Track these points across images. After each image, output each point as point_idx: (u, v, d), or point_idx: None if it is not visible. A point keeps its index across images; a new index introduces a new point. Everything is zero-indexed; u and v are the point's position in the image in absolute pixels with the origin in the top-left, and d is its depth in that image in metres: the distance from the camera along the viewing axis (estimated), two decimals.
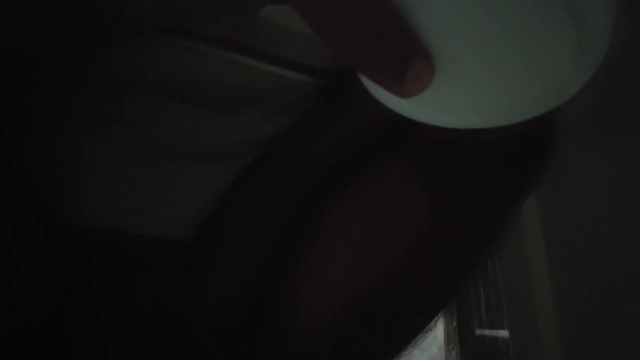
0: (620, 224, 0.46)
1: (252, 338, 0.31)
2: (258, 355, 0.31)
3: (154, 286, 0.31)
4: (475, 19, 0.15)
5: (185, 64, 0.29)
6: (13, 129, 0.26)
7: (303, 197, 0.32)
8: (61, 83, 0.27)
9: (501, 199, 0.31)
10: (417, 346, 0.32)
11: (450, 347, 0.92)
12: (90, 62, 0.26)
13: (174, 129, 0.31)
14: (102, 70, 0.27)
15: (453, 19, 0.15)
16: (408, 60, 0.15)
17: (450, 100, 0.17)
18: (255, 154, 0.33)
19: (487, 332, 0.84)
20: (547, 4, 0.15)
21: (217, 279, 0.32)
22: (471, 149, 0.29)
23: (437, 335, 0.94)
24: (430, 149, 0.30)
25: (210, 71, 0.29)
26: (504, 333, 0.77)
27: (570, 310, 0.52)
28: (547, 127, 0.31)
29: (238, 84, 0.30)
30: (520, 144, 0.30)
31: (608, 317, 0.47)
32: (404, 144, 0.30)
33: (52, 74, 0.24)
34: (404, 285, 0.30)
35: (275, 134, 0.32)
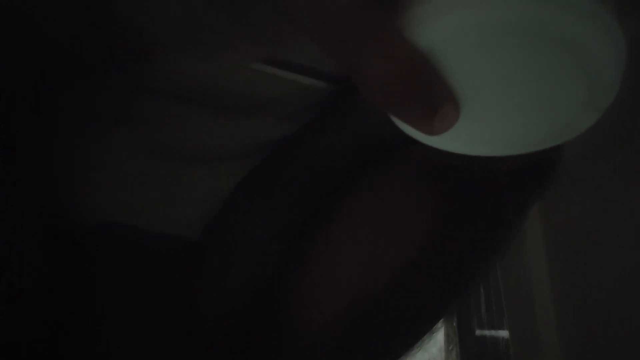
0: (620, 225, 0.46)
1: (256, 338, 0.31)
2: (262, 355, 0.31)
3: (158, 285, 0.31)
4: (495, 67, 0.17)
5: (195, 68, 0.29)
6: (23, 128, 0.26)
7: (310, 198, 0.32)
8: (74, 85, 0.27)
9: (508, 205, 0.31)
10: (421, 348, 0.32)
11: (450, 348, 0.93)
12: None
13: (183, 130, 0.31)
14: (114, 74, 0.28)
15: (475, 66, 0.17)
16: (437, 104, 0.17)
17: (470, 134, 0.19)
18: (265, 155, 0.33)
19: (487, 332, 0.84)
20: (558, 58, 0.16)
21: (221, 279, 0.32)
22: (480, 157, 0.29)
23: (437, 335, 0.94)
24: (439, 155, 0.30)
25: (221, 76, 0.30)
26: (504, 333, 0.77)
27: (570, 310, 0.52)
28: None
29: (248, 88, 0.31)
30: (528, 153, 0.30)
31: (608, 318, 0.48)
32: (414, 149, 0.31)
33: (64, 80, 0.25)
34: (411, 287, 0.30)
35: (284, 136, 0.33)
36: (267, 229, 0.32)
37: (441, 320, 0.34)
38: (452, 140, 0.19)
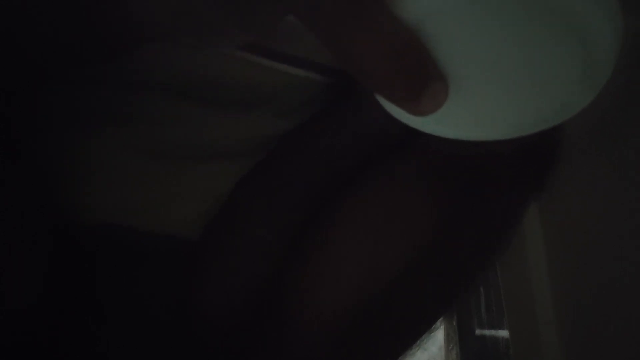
0: (620, 225, 0.46)
1: (257, 338, 0.31)
2: (262, 355, 0.31)
3: (158, 285, 0.31)
4: (487, 43, 0.16)
5: (194, 63, 0.29)
6: (22, 128, 0.26)
7: (310, 198, 0.32)
8: (71, 82, 0.27)
9: (508, 205, 0.31)
10: (420, 347, 0.32)
11: (450, 347, 0.93)
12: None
13: (183, 127, 0.31)
14: (112, 69, 0.27)
15: (466, 41, 0.16)
16: (424, 82, 0.16)
17: (460, 116, 0.18)
18: (265, 153, 0.33)
19: (487, 332, 0.84)
20: (555, 32, 0.15)
21: (222, 279, 0.32)
22: (478, 156, 0.29)
23: (437, 335, 0.94)
24: (439, 155, 0.30)
25: (220, 70, 0.29)
26: (504, 333, 0.77)
27: (570, 310, 0.52)
28: (553, 137, 0.31)
29: (248, 82, 0.30)
30: (527, 152, 0.30)
31: (608, 318, 0.48)
32: (414, 148, 0.31)
33: (63, 74, 0.25)
34: (411, 287, 0.30)
35: (285, 133, 0.32)
36: (268, 228, 0.32)
37: (441, 320, 0.34)
38: (440, 123, 0.18)
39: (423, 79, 0.16)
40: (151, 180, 0.31)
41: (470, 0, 0.15)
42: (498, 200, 0.31)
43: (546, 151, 0.31)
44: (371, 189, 0.31)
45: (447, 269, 0.31)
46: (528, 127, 0.19)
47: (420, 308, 0.31)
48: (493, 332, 0.82)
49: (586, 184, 0.48)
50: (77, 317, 0.29)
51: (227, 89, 0.30)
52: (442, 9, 0.15)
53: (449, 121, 0.18)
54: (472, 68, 0.17)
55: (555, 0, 0.14)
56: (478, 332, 0.87)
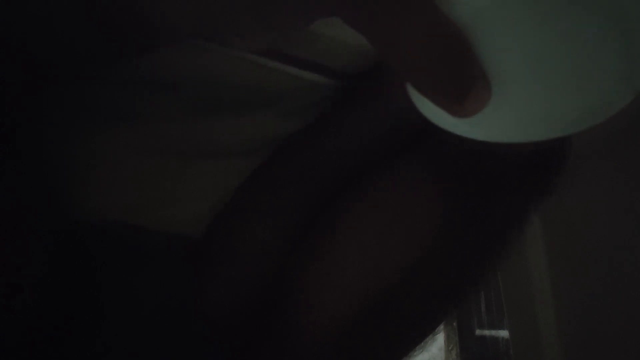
0: (620, 225, 0.46)
1: (259, 338, 0.31)
2: (265, 355, 0.31)
3: (160, 284, 0.31)
4: (531, 42, 0.16)
5: (201, 63, 0.28)
6: (25, 127, 0.26)
7: (315, 197, 0.32)
8: (76, 80, 0.27)
9: (513, 209, 0.31)
10: (423, 348, 0.32)
11: (450, 347, 0.93)
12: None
13: (187, 126, 0.31)
14: (119, 69, 0.27)
15: (511, 41, 0.16)
16: (470, 83, 0.15)
17: (498, 118, 0.18)
18: (269, 153, 0.32)
19: (487, 332, 0.84)
20: (601, 29, 0.15)
21: (225, 278, 0.32)
22: (487, 157, 0.29)
23: (437, 335, 0.94)
24: (446, 155, 0.30)
25: (226, 70, 0.29)
26: (504, 333, 0.77)
27: (570, 310, 0.52)
28: (561, 142, 0.31)
29: (254, 83, 0.30)
30: (534, 156, 0.30)
31: (608, 318, 0.48)
32: (421, 149, 0.30)
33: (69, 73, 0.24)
34: (416, 288, 0.30)
35: (290, 134, 0.32)
36: (272, 228, 0.32)
37: (443, 321, 0.34)
38: (476, 125, 0.18)
39: (469, 80, 0.16)
40: (155, 178, 0.31)
41: (519, 2, 0.15)
42: (503, 203, 0.30)
43: (553, 156, 0.31)
44: (376, 190, 0.31)
45: (450, 271, 0.31)
46: (567, 127, 0.18)
47: (423, 309, 0.31)
48: (493, 332, 0.82)
49: (586, 184, 0.48)
50: (77, 316, 0.29)
51: (233, 90, 0.30)
52: (490, 8, 0.15)
53: (485, 123, 0.18)
54: (515, 68, 0.16)
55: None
56: (478, 332, 0.87)
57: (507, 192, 0.30)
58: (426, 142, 0.30)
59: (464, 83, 0.15)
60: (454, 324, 0.91)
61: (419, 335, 0.32)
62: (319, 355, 0.30)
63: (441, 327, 0.92)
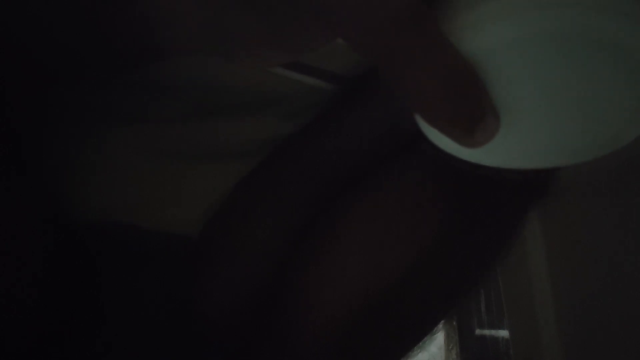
0: (620, 225, 0.46)
1: (259, 338, 0.31)
2: (265, 355, 0.31)
3: (160, 284, 0.31)
4: (543, 78, 0.16)
5: (202, 67, 0.29)
6: (25, 127, 0.26)
7: (315, 197, 0.32)
8: (78, 83, 0.27)
9: (511, 209, 0.31)
10: (422, 348, 0.32)
11: (450, 347, 0.93)
12: None
13: (189, 128, 0.31)
14: (123, 73, 0.27)
15: (522, 76, 0.16)
16: (480, 117, 0.16)
17: (508, 146, 0.18)
18: (268, 153, 0.33)
19: (487, 332, 0.84)
20: (612, 67, 0.15)
21: (224, 278, 0.32)
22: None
23: (437, 335, 0.94)
24: (444, 158, 0.30)
25: (228, 74, 0.29)
26: (504, 333, 0.77)
27: (570, 310, 0.52)
28: None
29: (253, 87, 0.30)
30: None
31: (608, 318, 0.48)
32: (421, 149, 0.31)
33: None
34: (415, 288, 0.30)
35: (289, 134, 0.32)
36: (272, 228, 0.32)
37: (443, 320, 0.34)
38: (488, 153, 0.18)
39: (479, 114, 0.16)
40: (156, 179, 0.31)
41: (529, 39, 0.15)
42: (501, 204, 0.31)
43: None
44: (376, 190, 0.31)
45: (450, 271, 0.31)
46: (573, 157, 0.19)
47: (423, 309, 0.31)
48: (493, 332, 0.82)
49: (586, 184, 0.48)
50: (77, 316, 0.29)
51: (233, 93, 0.30)
52: (502, 46, 0.15)
53: (492, 151, 0.18)
54: (526, 101, 0.17)
55: (613, 37, 0.15)
56: (478, 332, 0.87)
57: (506, 193, 0.30)
58: (426, 142, 0.30)
59: (474, 116, 0.16)
60: (454, 323, 0.91)
61: (419, 335, 0.32)
62: (319, 355, 0.30)
63: (440, 326, 0.92)
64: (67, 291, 0.29)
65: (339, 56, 0.29)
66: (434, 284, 0.31)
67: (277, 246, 0.32)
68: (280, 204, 0.32)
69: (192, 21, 0.17)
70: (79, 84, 0.26)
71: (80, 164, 0.30)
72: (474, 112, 0.16)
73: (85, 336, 0.30)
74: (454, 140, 0.16)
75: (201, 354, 0.31)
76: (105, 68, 0.20)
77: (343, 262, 0.30)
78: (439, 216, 0.30)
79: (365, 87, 0.31)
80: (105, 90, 0.29)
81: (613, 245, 0.47)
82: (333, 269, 0.30)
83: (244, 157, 0.32)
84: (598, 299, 0.49)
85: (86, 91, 0.28)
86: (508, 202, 0.31)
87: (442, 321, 0.34)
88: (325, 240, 0.31)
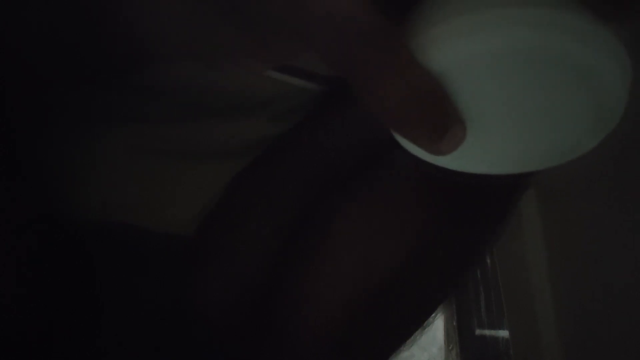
0: (620, 224, 0.46)
1: (256, 336, 0.31)
2: (262, 353, 0.31)
3: (158, 283, 0.32)
4: (505, 91, 0.17)
5: (197, 71, 0.29)
6: (24, 127, 0.26)
7: (309, 196, 0.32)
8: (75, 84, 0.28)
9: (499, 202, 0.32)
10: (417, 343, 0.33)
11: (450, 347, 0.93)
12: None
13: (185, 129, 0.31)
14: (116, 76, 0.28)
15: (485, 89, 0.17)
16: (445, 127, 0.17)
17: (475, 153, 0.19)
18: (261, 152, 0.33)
19: (487, 332, 0.84)
20: (571, 83, 0.16)
21: (221, 277, 0.32)
22: None
23: (437, 335, 0.94)
24: (434, 168, 0.31)
25: (220, 77, 0.30)
26: (504, 333, 0.77)
27: (570, 310, 0.52)
28: None
29: (245, 89, 0.31)
30: None
31: (608, 318, 0.48)
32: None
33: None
34: (408, 282, 0.31)
35: (282, 133, 0.33)
36: (269, 226, 0.32)
37: (441, 319, 0.35)
38: (456, 160, 0.19)
39: (444, 124, 0.16)
40: (155, 179, 0.31)
41: (489, 54, 0.16)
42: (488, 198, 0.31)
43: None
44: (370, 189, 0.31)
45: (440, 266, 0.31)
46: (538, 163, 0.20)
47: (417, 300, 0.32)
48: (493, 332, 0.82)
49: (586, 184, 0.48)
50: (76, 316, 0.30)
51: (227, 95, 0.31)
52: (465, 60, 0.16)
53: (464, 158, 0.19)
54: (490, 112, 0.18)
55: (569, 55, 0.15)
56: (478, 332, 0.87)
57: (493, 188, 0.31)
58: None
59: (440, 127, 0.16)
60: (454, 323, 0.91)
61: (412, 327, 0.33)
62: (317, 352, 0.30)
63: (439, 325, 0.92)
64: (66, 291, 0.29)
65: None
66: (426, 277, 0.31)
67: (274, 245, 0.32)
68: (275, 201, 0.32)
69: (176, 33, 0.17)
70: (78, 85, 0.26)
71: (78, 164, 0.30)
72: (440, 122, 0.16)
73: (85, 336, 0.30)
74: (421, 148, 0.17)
75: (200, 353, 0.31)
76: (101, 71, 0.20)
77: (339, 261, 0.30)
78: (428, 214, 0.30)
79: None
80: (104, 92, 0.29)
81: (613, 245, 0.47)
82: (329, 268, 0.30)
83: (240, 157, 0.33)
84: (598, 299, 0.49)
85: (85, 92, 0.28)
86: (493, 199, 0.31)
87: (439, 318, 0.34)
88: (321, 239, 0.31)
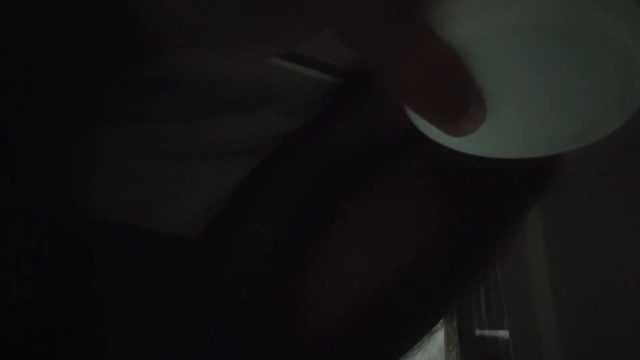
0: (620, 225, 0.46)
1: (258, 337, 0.31)
2: (264, 354, 0.31)
3: (159, 284, 0.31)
4: (528, 67, 0.16)
5: (202, 61, 0.28)
6: (24, 126, 0.26)
7: (314, 196, 0.32)
8: (76, 80, 0.27)
9: (509, 207, 0.31)
10: (421, 348, 0.33)
11: (450, 348, 0.93)
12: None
13: (189, 126, 0.31)
14: (118, 68, 0.27)
15: (508, 65, 0.16)
16: (465, 105, 0.16)
17: (496, 136, 0.18)
18: (269, 151, 0.33)
19: (487, 332, 0.84)
20: (596, 60, 0.16)
21: (224, 277, 0.32)
22: (481, 159, 0.29)
23: (437, 335, 0.94)
24: (445, 155, 0.30)
25: (228, 68, 0.29)
26: (504, 333, 0.77)
27: (570, 310, 0.52)
28: None
29: (256, 81, 0.30)
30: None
31: (608, 318, 0.48)
32: (419, 149, 0.31)
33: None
34: (415, 285, 0.30)
35: (290, 132, 0.32)
36: (271, 227, 0.32)
37: (441, 320, 0.34)
38: (475, 143, 0.19)
39: (464, 102, 0.16)
40: (156, 178, 0.31)
41: (514, 28, 0.15)
42: (500, 202, 0.31)
43: (548, 157, 0.31)
44: (375, 189, 0.31)
45: (449, 269, 0.31)
46: (561, 146, 0.19)
47: (422, 307, 0.32)
48: (493, 332, 0.82)
49: (586, 184, 0.48)
50: (77, 316, 0.29)
51: (235, 87, 0.30)
52: (487, 35, 0.15)
53: (480, 140, 0.18)
54: (512, 90, 0.17)
55: (597, 29, 0.15)
56: (478, 332, 0.87)
57: (504, 191, 0.30)
58: (424, 142, 0.30)
59: (460, 105, 0.16)
60: (454, 324, 0.91)
61: (418, 334, 0.33)
62: (319, 354, 0.30)
63: (440, 327, 0.92)
64: (66, 291, 0.28)
65: (340, 48, 0.29)
66: (433, 282, 0.31)
67: (277, 245, 0.32)
68: (280, 203, 0.32)
69: (184, 17, 0.17)
70: (77, 80, 0.26)
71: (79, 164, 0.30)
72: (460, 100, 0.16)
73: (85, 336, 0.30)
74: (440, 129, 0.17)
75: (201, 354, 0.31)
76: (103, 61, 0.20)
77: (342, 261, 0.30)
78: (437, 214, 0.30)
79: (363, 87, 0.31)
80: (104, 88, 0.29)
81: (613, 244, 0.47)
82: (332, 268, 0.30)
83: (245, 156, 0.32)
84: (598, 299, 0.49)
85: (84, 89, 0.28)
86: (506, 200, 0.31)
87: (441, 321, 0.34)
88: (325, 239, 0.31)
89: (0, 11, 0.18)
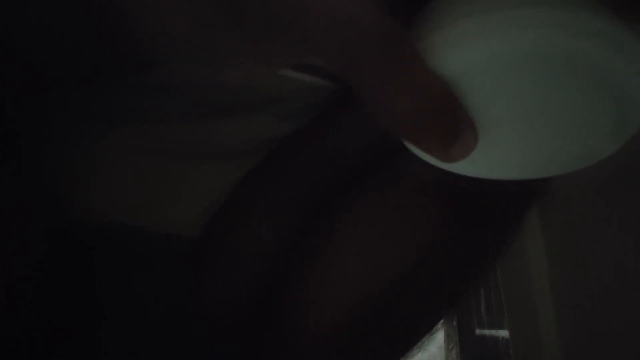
0: (619, 224, 0.46)
1: (259, 338, 0.31)
2: (264, 355, 0.31)
3: (159, 284, 0.31)
4: (521, 96, 0.16)
5: (198, 71, 0.29)
6: (24, 127, 0.26)
7: (314, 197, 0.32)
8: (78, 84, 0.28)
9: (510, 209, 0.31)
10: (422, 348, 0.33)
11: (450, 347, 0.93)
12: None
13: (188, 128, 0.31)
14: (116, 77, 0.28)
15: (500, 94, 0.16)
16: (456, 134, 0.16)
17: (486, 159, 0.18)
18: (268, 152, 0.33)
19: (487, 332, 0.84)
20: (589, 88, 0.16)
21: (224, 278, 0.32)
22: None
23: (437, 335, 0.94)
24: (444, 174, 0.30)
25: (225, 74, 0.29)
26: (504, 333, 0.77)
27: (570, 310, 0.52)
28: None
29: (252, 86, 0.30)
30: None
31: (608, 318, 0.48)
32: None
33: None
34: (414, 288, 0.30)
35: (288, 134, 0.32)
36: (271, 226, 0.32)
37: (441, 320, 0.34)
38: (469, 165, 0.18)
39: (455, 131, 0.16)
40: (156, 179, 0.31)
41: (503, 57, 0.15)
42: (500, 203, 0.31)
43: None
44: (375, 190, 0.31)
45: (448, 272, 0.31)
46: (554, 170, 0.19)
47: (422, 309, 0.32)
48: (493, 332, 0.82)
49: (586, 184, 0.48)
50: (76, 316, 0.30)
51: (233, 92, 0.30)
52: (479, 63, 0.15)
53: (476, 163, 0.18)
54: (503, 117, 0.17)
55: (589, 59, 0.15)
56: (478, 332, 0.87)
57: (504, 193, 0.30)
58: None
59: (451, 133, 0.16)
60: (454, 323, 0.91)
61: (418, 335, 0.33)
62: (319, 356, 0.30)
63: (441, 327, 0.92)
64: (66, 292, 0.29)
65: None
66: (433, 284, 0.31)
67: (277, 245, 0.32)
68: (280, 203, 0.32)
69: (178, 34, 0.17)
70: (78, 85, 0.26)
71: (79, 164, 0.30)
72: (450, 129, 0.16)
73: (85, 336, 0.30)
74: (431, 155, 0.17)
75: (201, 353, 0.31)
76: (102, 71, 0.20)
77: (342, 263, 0.30)
78: (437, 215, 0.30)
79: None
80: (106, 92, 0.29)
81: (613, 245, 0.47)
82: (332, 270, 0.30)
83: (243, 157, 0.32)
84: (598, 299, 0.49)
85: (86, 92, 0.28)
86: (506, 200, 0.31)
87: (441, 321, 0.34)
88: (325, 241, 0.31)
89: (2, 15, 0.18)
